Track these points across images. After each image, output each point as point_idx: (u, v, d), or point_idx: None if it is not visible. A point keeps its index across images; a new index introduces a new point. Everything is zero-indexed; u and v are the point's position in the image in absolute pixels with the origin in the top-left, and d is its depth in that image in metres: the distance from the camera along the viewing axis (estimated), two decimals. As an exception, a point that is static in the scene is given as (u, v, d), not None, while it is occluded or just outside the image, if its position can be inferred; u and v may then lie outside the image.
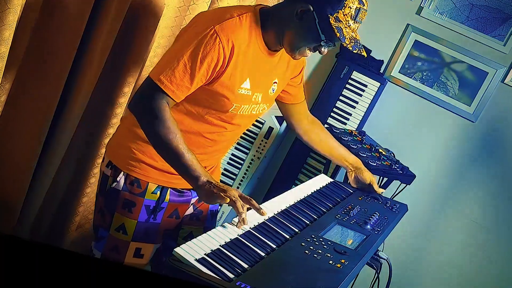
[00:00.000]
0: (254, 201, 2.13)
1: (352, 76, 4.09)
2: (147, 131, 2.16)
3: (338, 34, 2.10)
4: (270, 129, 4.11)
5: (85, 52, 2.68)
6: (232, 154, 4.13)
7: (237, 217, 2.08)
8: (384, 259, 2.41)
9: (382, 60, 4.13)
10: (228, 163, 4.14)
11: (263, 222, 2.16)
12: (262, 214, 2.14)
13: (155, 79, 2.10)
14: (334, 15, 2.10)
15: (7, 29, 2.17)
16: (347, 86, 4.10)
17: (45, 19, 2.47)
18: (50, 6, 2.46)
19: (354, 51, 2.16)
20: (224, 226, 2.04)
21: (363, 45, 2.22)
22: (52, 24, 2.51)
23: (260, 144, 4.13)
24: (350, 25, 2.13)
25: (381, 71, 4.16)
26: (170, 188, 2.38)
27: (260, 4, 2.30)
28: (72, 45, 2.57)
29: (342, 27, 2.11)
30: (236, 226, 2.06)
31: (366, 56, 2.27)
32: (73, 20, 2.52)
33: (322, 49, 2.21)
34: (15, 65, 2.43)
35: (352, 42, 2.14)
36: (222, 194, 2.06)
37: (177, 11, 3.03)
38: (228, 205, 2.10)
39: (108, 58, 2.77)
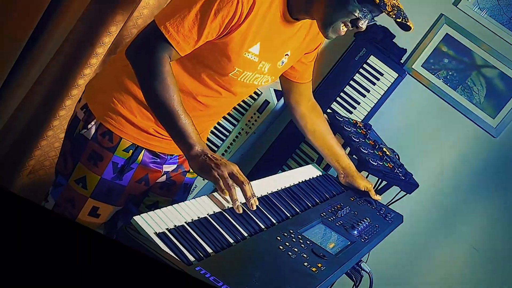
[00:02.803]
0: (248, 186, 2.08)
1: (368, 61, 4.07)
2: (143, 84, 2.15)
3: (377, 1, 2.06)
4: (266, 102, 4.09)
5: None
6: (218, 123, 4.11)
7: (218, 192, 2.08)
8: (366, 272, 2.41)
9: (405, 49, 4.12)
10: (212, 132, 4.12)
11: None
12: (251, 207, 2.09)
13: (160, 25, 2.07)
14: None
15: None
16: (361, 70, 4.09)
17: None
18: None
19: (398, 20, 2.12)
20: (194, 202, 2.02)
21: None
22: None
23: (252, 117, 4.11)
24: None
25: (402, 61, 4.14)
26: (145, 149, 2.37)
27: None
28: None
29: None
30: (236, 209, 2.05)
31: (412, 28, 2.20)
32: None
33: (360, 23, 2.16)
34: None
35: (394, 9, 2.10)
36: (217, 174, 2.03)
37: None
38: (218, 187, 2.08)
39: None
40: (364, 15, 2.14)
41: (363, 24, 2.17)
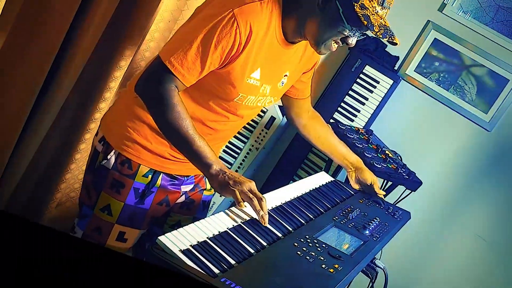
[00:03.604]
0: (264, 202, 2.11)
1: (364, 70, 4.08)
2: (155, 116, 2.17)
3: (365, 22, 2.06)
4: (272, 118, 4.10)
5: (80, 23, 2.66)
6: (229, 142, 4.12)
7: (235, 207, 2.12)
8: (381, 268, 2.41)
9: (398, 56, 4.13)
10: (224, 151, 4.13)
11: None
12: (261, 219, 2.11)
13: (165, 60, 2.09)
14: (359, 2, 2.07)
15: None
16: (358, 80, 4.09)
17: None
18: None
19: (384, 39, 2.13)
20: (214, 218, 2.03)
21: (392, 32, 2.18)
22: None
23: (260, 134, 4.11)
24: (377, 11, 2.10)
25: (396, 68, 4.15)
26: (163, 173, 2.38)
27: None
28: (67, 14, 2.56)
29: (369, 14, 2.07)
30: (260, 220, 2.09)
31: (398, 44, 2.21)
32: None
33: (350, 41, 2.19)
34: (5, 31, 2.42)
35: (381, 29, 2.10)
36: (237, 190, 2.07)
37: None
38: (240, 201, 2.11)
39: (105, 31, 2.75)
40: (353, 33, 2.15)
41: (352, 41, 2.19)
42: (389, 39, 2.14)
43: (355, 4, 2.07)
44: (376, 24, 2.09)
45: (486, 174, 4.05)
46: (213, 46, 2.07)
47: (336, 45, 2.23)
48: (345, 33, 2.15)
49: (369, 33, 2.19)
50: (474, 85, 4.01)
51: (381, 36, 2.11)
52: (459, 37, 4.01)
